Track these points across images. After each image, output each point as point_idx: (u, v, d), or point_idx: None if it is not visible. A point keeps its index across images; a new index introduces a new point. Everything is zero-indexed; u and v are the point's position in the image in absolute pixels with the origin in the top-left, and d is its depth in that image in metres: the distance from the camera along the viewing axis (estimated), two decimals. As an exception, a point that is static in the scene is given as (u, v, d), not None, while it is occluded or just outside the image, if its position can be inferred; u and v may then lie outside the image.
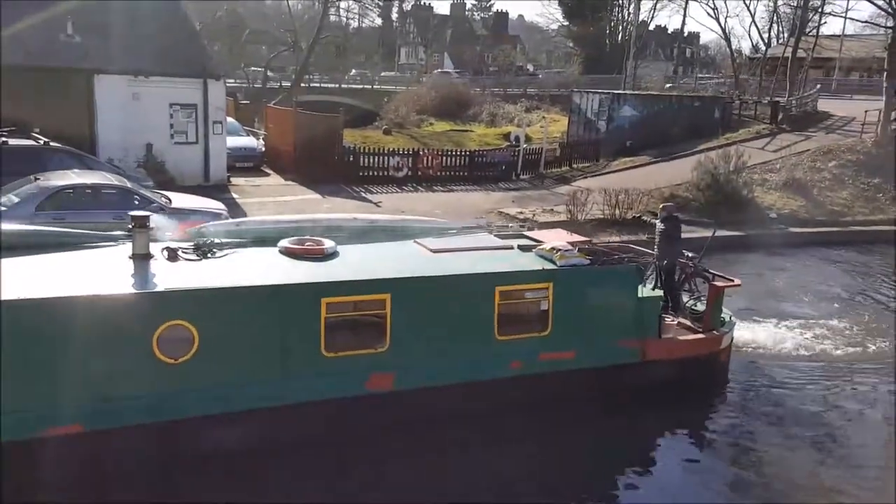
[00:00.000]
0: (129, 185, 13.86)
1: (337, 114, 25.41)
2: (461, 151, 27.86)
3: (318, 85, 50.89)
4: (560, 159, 29.71)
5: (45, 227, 8.92)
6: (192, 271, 7.93)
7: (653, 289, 11.62)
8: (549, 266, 9.29)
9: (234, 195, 20.76)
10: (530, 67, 74.95)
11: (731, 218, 21.09)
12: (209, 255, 8.39)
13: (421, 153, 26.55)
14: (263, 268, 8.26)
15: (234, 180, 22.84)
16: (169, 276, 7.70)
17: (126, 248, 8.17)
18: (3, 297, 6.58)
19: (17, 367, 6.65)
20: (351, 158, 24.89)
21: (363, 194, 22.80)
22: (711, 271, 11.47)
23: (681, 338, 10.47)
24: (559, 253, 9.43)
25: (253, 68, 52.10)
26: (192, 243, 8.58)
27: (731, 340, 11.27)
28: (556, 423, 9.22)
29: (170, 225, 9.34)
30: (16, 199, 12.40)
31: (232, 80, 37.71)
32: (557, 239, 10.44)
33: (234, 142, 24.05)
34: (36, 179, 13.02)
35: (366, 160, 25.10)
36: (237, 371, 7.62)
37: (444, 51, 79.55)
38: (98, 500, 6.88)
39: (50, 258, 7.95)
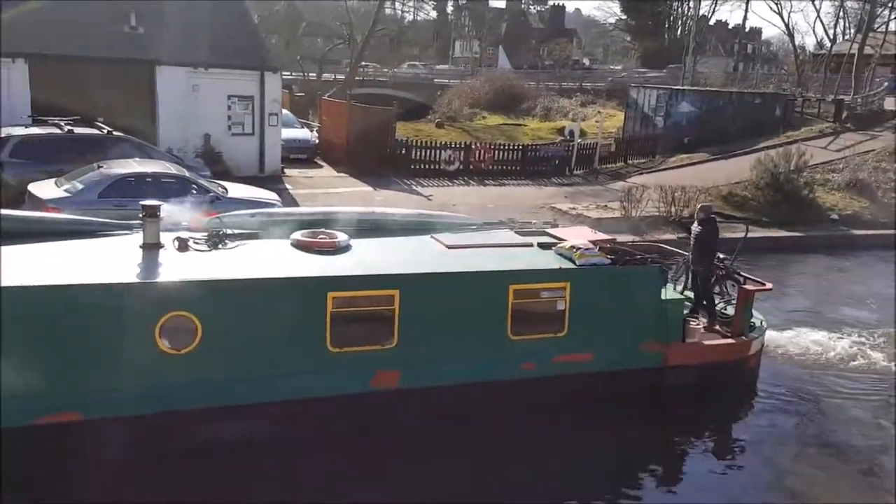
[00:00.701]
0: (187, 174, 14.17)
1: (390, 106, 25.53)
2: (514, 146, 27.67)
3: (371, 78, 51.20)
4: (615, 155, 29.25)
5: (61, 215, 9.04)
6: (200, 262, 7.88)
7: (682, 291, 11.28)
8: (567, 265, 9.04)
9: (288, 186, 21.02)
10: (586, 62, 74.02)
11: (791, 218, 20.52)
12: (220, 245, 8.36)
13: (473, 147, 26.45)
14: (271, 260, 8.17)
15: (287, 171, 23.13)
16: (175, 266, 7.68)
17: (138, 238, 8.18)
18: (6, 284, 6.62)
19: (16, 353, 6.62)
20: (403, 151, 24.98)
21: (414, 187, 22.85)
22: (743, 274, 11.07)
23: (706, 342, 10.05)
24: (579, 251, 9.16)
25: (308, 61, 52.71)
26: (205, 234, 8.56)
27: (762, 346, 10.79)
28: (569, 427, 8.93)
29: (182, 214, 9.32)
30: (80, 186, 12.80)
31: (288, 73, 38.20)
32: (581, 237, 10.12)
33: (288, 133, 24.35)
34: (99, 167, 13.41)
35: (418, 153, 25.16)
36: (240, 364, 7.54)
37: (498, 44, 79.16)
38: (92, 488, 6.74)
39: (61, 246, 7.98)
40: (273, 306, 7.60)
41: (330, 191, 21.20)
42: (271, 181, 20.54)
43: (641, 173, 27.26)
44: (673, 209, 19.59)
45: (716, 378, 9.94)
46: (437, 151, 25.43)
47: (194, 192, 13.54)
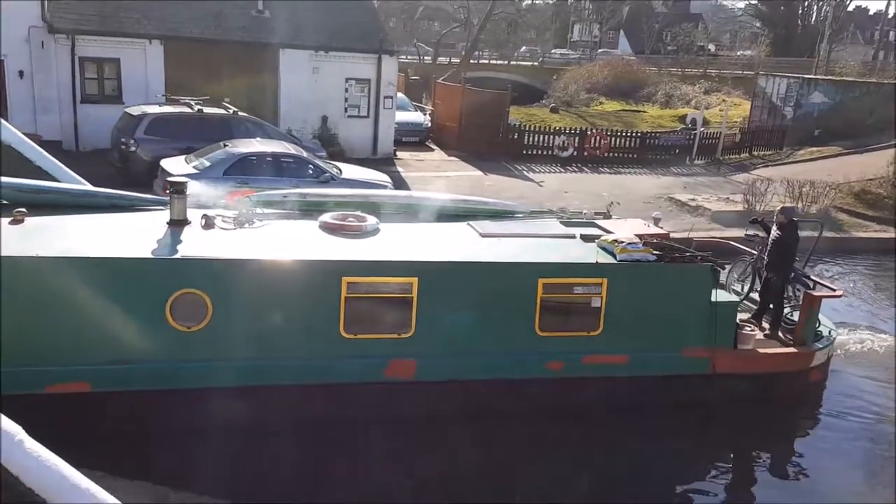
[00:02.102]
0: (305, 154, 14.56)
1: (504, 90, 25.28)
2: (632, 133, 26.85)
3: (487, 61, 50.99)
4: (739, 145, 27.93)
5: (97, 189, 8.99)
6: (220, 240, 7.79)
7: (748, 293, 10.51)
8: (608, 259, 8.42)
9: (399, 169, 21.25)
10: (712, 48, 70.78)
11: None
12: (247, 225, 8.29)
13: (588, 133, 25.87)
14: (292, 241, 8.02)
15: (399, 154, 23.39)
16: (194, 243, 7.61)
17: (167, 214, 8.18)
18: (16, 254, 6.66)
19: (24, 322, 6.64)
20: (515, 136, 24.74)
21: (525, 173, 22.57)
22: (813, 278, 10.21)
23: (761, 350, 9.25)
24: (621, 246, 8.49)
25: (424, 44, 53.08)
26: (234, 212, 8.50)
27: (828, 358, 9.91)
28: (596, 434, 8.40)
29: (208, 191, 9.26)
30: (207, 164, 13.38)
31: (403, 56, 38.59)
32: (632, 230, 9.41)
33: (401, 116, 24.59)
34: (224, 146, 14.00)
35: (531, 138, 24.86)
36: (249, 344, 7.39)
37: (619, 28, 76.97)
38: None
39: (91, 218, 8.06)
40: (285, 288, 7.43)
41: (440, 174, 21.26)
42: (383, 163, 20.85)
43: (767, 165, 25.98)
44: (800, 205, 18.45)
45: (771, 389, 9.19)
46: (551, 137, 25.03)
47: (310, 171, 13.92)
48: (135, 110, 16.18)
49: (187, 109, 16.37)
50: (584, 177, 22.99)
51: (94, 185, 10.85)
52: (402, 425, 7.78)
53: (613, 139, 25.78)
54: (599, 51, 64.61)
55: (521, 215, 10.09)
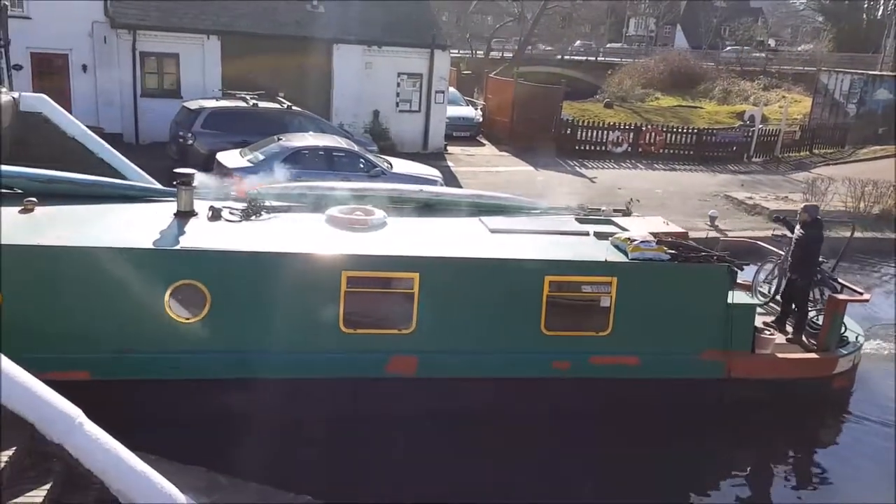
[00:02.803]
0: (356, 149, 14.64)
1: (557, 85, 25.05)
2: (688, 129, 26.37)
3: (540, 56, 50.57)
4: (799, 143, 27.21)
5: (110, 179, 9.00)
6: (223, 232, 7.77)
7: (773, 296, 10.07)
8: (620, 257, 8.16)
9: (449, 164, 21.23)
10: (772, 43, 68.93)
11: None
12: (253, 217, 8.25)
13: (643, 129, 25.48)
14: (296, 234, 7.94)
15: (450, 149, 23.37)
16: (197, 234, 7.60)
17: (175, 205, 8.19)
18: (16, 242, 6.69)
19: (25, 309, 6.64)
20: (568, 131, 24.52)
21: (578, 168, 22.34)
22: (840, 281, 9.76)
23: (780, 355, 8.88)
24: (633, 244, 8.19)
25: (477, 39, 52.91)
26: (243, 204, 8.46)
27: (854, 364, 9.45)
28: (602, 437, 8.11)
29: (214, 183, 9.23)
30: (261, 157, 13.57)
31: (455, 51, 38.52)
32: (650, 228, 9.12)
33: (452, 111, 24.57)
34: (278, 140, 14.18)
35: (584, 134, 24.60)
36: (247, 337, 7.32)
37: (676, 23, 75.49)
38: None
39: (99, 208, 8.12)
40: (283, 281, 7.34)
41: (490, 169, 21.18)
42: (433, 158, 20.86)
43: (828, 164, 25.26)
44: (861, 205, 17.83)
45: (790, 396, 8.79)
46: (605, 132, 24.74)
47: (361, 166, 14.01)
48: (192, 104, 16.51)
49: (243, 104, 16.62)
50: (638, 173, 22.64)
51: (153, 177, 11.16)
52: (401, 423, 7.62)
53: (669, 135, 25.38)
54: (660, 46, 63.46)
55: (537, 211, 9.90)
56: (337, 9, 21.41)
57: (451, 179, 18.17)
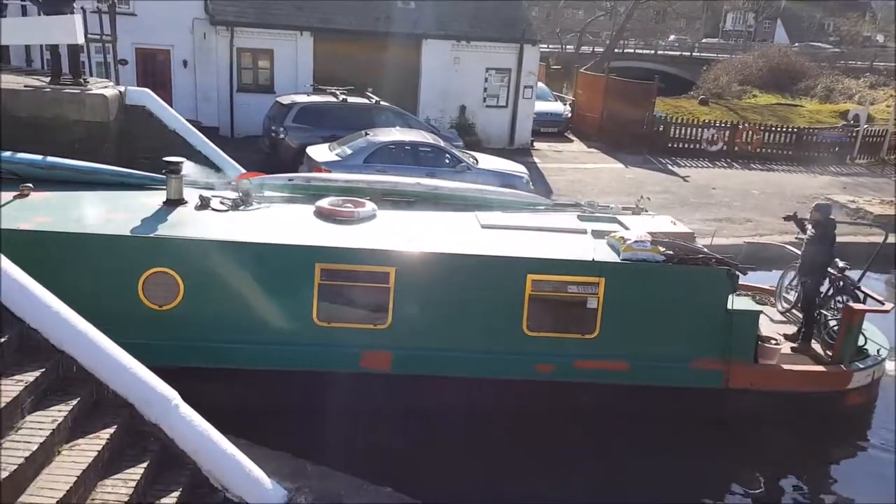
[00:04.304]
0: (442, 144, 14.67)
1: (651, 81, 24.40)
2: (787, 128, 25.20)
3: (632, 51, 49.46)
4: (909, 144, 25.50)
5: (109, 167, 9.05)
6: (205, 221, 7.74)
7: (795, 304, 9.39)
8: (611, 257, 7.78)
9: (536, 160, 21.00)
10: (880, 38, 65.09)
11: None
12: (241, 207, 8.21)
13: (740, 127, 24.53)
14: (277, 225, 7.87)
15: (536, 145, 23.11)
16: (178, 222, 7.58)
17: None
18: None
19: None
20: (661, 128, 23.89)
21: (670, 167, 21.71)
22: (864, 290, 9.01)
23: (786, 367, 8.27)
24: (626, 243, 7.80)
25: (567, 33, 52.23)
26: (234, 194, 8.42)
27: (872, 379, 8.77)
28: (586, 444, 7.68)
29: (201, 173, 9.18)
30: (349, 151, 13.77)
31: (545, 46, 38.09)
32: (657, 228, 8.66)
33: (540, 106, 24.27)
34: (366, 135, 14.35)
35: (677, 131, 23.93)
36: (219, 326, 7.24)
37: (776, 17, 72.39)
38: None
39: (90, 195, 8.16)
40: (257, 271, 7.30)
41: (578, 166, 20.84)
42: (520, 154, 20.69)
43: (941, 167, 23.58)
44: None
45: (796, 411, 8.25)
46: (699, 130, 23.97)
47: (447, 161, 14.01)
48: (285, 99, 16.91)
49: (333, 99, 16.92)
50: (733, 173, 21.82)
51: (247, 169, 11.47)
52: (374, 418, 7.46)
53: (767, 134, 24.36)
54: (758, 41, 61.05)
55: (542, 208, 9.60)
56: (427, 4, 21.52)
57: (537, 176, 17.98)
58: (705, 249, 8.28)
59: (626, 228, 8.60)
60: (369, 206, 8.48)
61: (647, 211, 9.73)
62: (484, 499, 6.94)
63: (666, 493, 7.19)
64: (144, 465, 4.90)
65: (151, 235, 7.26)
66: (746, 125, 25.02)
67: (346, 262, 7.49)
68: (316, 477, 5.98)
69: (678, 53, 50.76)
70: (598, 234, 8.44)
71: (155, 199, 8.18)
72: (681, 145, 23.70)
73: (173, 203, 8.06)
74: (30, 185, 7.96)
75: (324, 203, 8.39)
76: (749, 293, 10.22)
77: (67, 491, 4.29)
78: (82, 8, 10.69)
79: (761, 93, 38.00)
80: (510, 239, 8.15)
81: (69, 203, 7.92)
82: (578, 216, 9.30)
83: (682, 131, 23.94)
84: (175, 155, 8.42)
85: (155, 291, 7.14)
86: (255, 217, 8.15)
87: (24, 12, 16.50)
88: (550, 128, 25.04)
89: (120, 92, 10.94)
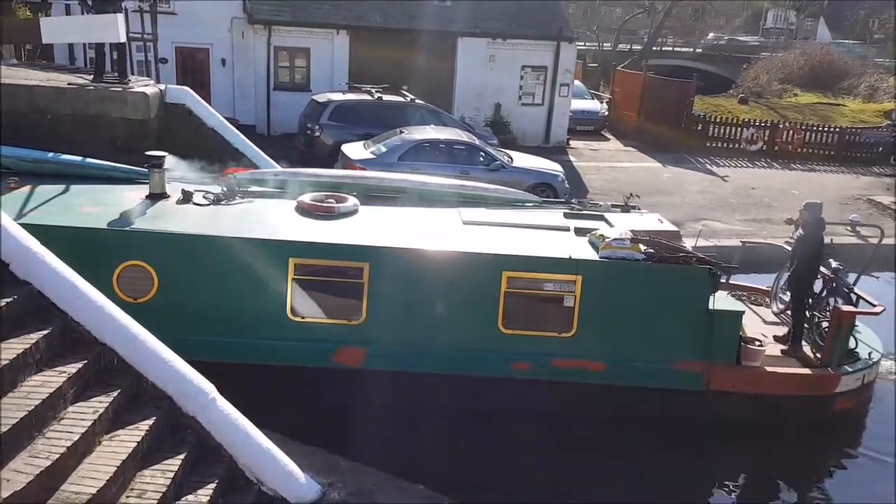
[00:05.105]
0: (477, 142, 14.65)
1: (689, 79, 24.09)
2: (828, 127, 24.69)
3: (670, 49, 48.85)
4: (957, 144, 24.78)
5: (97, 161, 9.05)
6: (186, 214, 7.75)
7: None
8: (590, 255, 7.67)
9: (572, 158, 20.86)
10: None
11: None
12: (223, 202, 8.22)
13: (780, 126, 24.09)
14: (256, 219, 7.87)
15: (572, 143, 22.96)
16: (157, 216, 7.58)
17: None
18: None
19: None
20: (699, 127, 23.60)
21: (708, 166, 21.42)
22: (858, 292, 8.70)
23: (770, 369, 8.06)
24: (604, 241, 7.70)
25: (604, 31, 51.77)
26: (217, 189, 8.42)
27: (865, 384, 8.54)
28: (558, 441, 7.49)
29: (179, 166, 9.15)
30: (383, 149, 13.82)
31: (581, 43, 37.79)
32: (642, 226, 8.50)
33: (577, 105, 24.11)
34: (400, 132, 14.39)
35: (716, 130, 23.62)
36: (194, 320, 7.21)
37: (819, 15, 70.92)
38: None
39: (75, 189, 8.20)
40: (230, 265, 7.30)
41: (615, 164, 20.66)
42: (555, 152, 20.57)
43: None
44: None
45: (780, 415, 8.05)
46: (739, 129, 23.62)
47: (481, 159, 14.00)
48: (320, 97, 17.02)
49: (367, 97, 16.98)
50: (773, 173, 21.46)
51: (283, 167, 11.58)
52: (347, 413, 7.30)
53: (808, 134, 23.93)
54: (800, 39, 59.84)
55: (531, 204, 9.52)
56: (462, 3, 21.49)
57: (573, 174, 17.85)
58: (688, 248, 8.16)
59: (612, 226, 8.52)
60: (351, 201, 8.48)
61: (637, 209, 9.66)
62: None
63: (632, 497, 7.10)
64: (182, 456, 4.96)
65: (126, 229, 7.31)
66: (787, 124, 24.58)
67: (320, 257, 7.50)
68: (349, 472, 6.00)
69: (717, 52, 49.94)
70: (581, 232, 8.38)
71: (139, 193, 8.26)
72: (720, 144, 23.40)
73: (155, 197, 8.12)
74: (16, 178, 8.07)
75: (305, 198, 8.39)
76: (745, 294, 10.18)
77: (108, 480, 4.37)
78: (124, 7, 10.87)
79: (802, 91, 37.25)
80: (489, 235, 8.12)
81: (50, 196, 7.97)
82: (565, 213, 9.23)
83: (721, 130, 23.63)
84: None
85: (129, 285, 7.18)
86: (235, 211, 8.18)
87: (68, 11, 16.89)
88: (587, 126, 24.88)
89: (160, 90, 11.12)
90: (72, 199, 8.00)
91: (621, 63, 32.88)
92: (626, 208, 9.58)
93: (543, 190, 13.77)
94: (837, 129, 24.44)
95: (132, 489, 4.62)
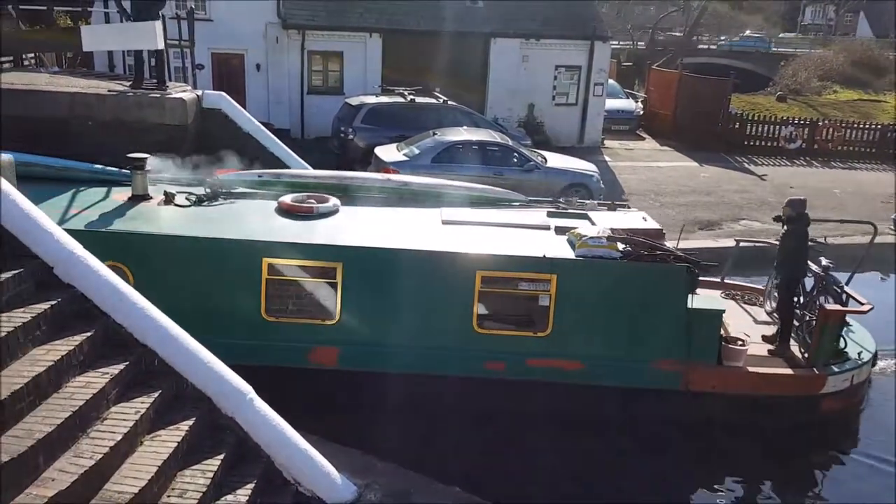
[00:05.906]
0: (510, 143, 14.61)
1: (726, 77, 23.73)
2: (870, 125, 24.14)
3: (706, 47, 48.21)
4: None
5: (83, 164, 9.06)
6: (165, 216, 7.78)
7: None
8: (565, 254, 7.57)
9: (607, 158, 20.69)
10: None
11: None
12: (205, 203, 8.23)
13: (820, 124, 23.62)
14: (234, 220, 7.87)
15: (607, 143, 22.78)
16: (137, 218, 7.61)
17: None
18: None
19: None
20: (737, 126, 23.25)
21: (746, 165, 21.11)
22: (848, 291, 8.43)
23: (752, 369, 7.87)
24: (581, 240, 7.60)
25: (639, 29, 51.27)
26: (201, 190, 8.41)
27: (854, 385, 8.29)
28: (534, 441, 7.35)
29: (166, 167, 9.20)
30: (417, 151, 13.85)
31: (615, 42, 37.50)
32: (627, 224, 8.39)
33: (611, 104, 23.91)
34: (434, 134, 14.41)
35: (753, 128, 23.24)
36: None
37: (859, 10, 69.40)
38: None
39: (59, 191, 8.24)
40: (205, 266, 7.32)
41: (650, 164, 20.43)
42: (590, 152, 20.42)
43: None
44: None
45: (762, 416, 7.88)
46: (777, 127, 23.20)
47: (515, 160, 13.95)
48: (354, 100, 17.11)
49: (400, 99, 17.02)
50: (813, 171, 21.05)
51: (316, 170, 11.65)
52: (323, 413, 7.12)
53: (848, 131, 23.42)
54: (840, 35, 58.65)
55: (517, 203, 9.43)
56: (495, 4, 21.45)
57: (609, 175, 17.69)
58: (667, 246, 8.00)
59: (594, 225, 8.43)
60: (332, 201, 8.48)
61: (627, 207, 9.56)
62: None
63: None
64: (221, 456, 5.02)
65: (102, 230, 7.39)
66: (826, 122, 24.12)
67: (293, 258, 7.49)
68: (385, 474, 6.02)
69: (754, 49, 49.20)
70: (561, 231, 8.30)
71: (122, 195, 8.34)
72: (758, 143, 23.03)
73: (138, 199, 8.20)
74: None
75: (286, 198, 8.42)
76: (739, 293, 10.04)
77: (149, 480, 4.43)
78: (161, 14, 11.06)
79: (842, 88, 36.52)
80: (466, 235, 8.08)
81: (34, 198, 8.12)
82: (548, 212, 9.14)
83: (759, 129, 23.25)
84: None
85: None
86: (215, 212, 8.23)
87: (107, 19, 17.22)
88: (622, 125, 24.67)
89: (197, 96, 11.28)
90: (51, 201, 8.06)
91: (656, 62, 32.52)
92: (612, 207, 9.51)
93: (578, 190, 13.65)
94: (879, 126, 23.92)
95: (173, 489, 4.68)
